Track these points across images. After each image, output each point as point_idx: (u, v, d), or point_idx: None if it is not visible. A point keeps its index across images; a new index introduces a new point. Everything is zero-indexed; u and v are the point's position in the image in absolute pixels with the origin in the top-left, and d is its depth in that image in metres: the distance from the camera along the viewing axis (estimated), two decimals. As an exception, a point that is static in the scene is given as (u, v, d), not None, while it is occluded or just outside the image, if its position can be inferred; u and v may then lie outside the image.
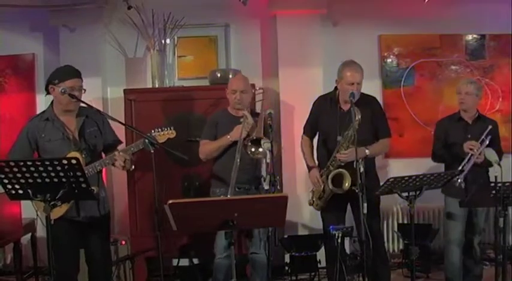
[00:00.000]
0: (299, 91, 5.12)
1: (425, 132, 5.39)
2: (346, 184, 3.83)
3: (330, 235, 3.82)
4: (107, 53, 5.39)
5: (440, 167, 4.30)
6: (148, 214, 4.69)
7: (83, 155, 3.42)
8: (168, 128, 3.64)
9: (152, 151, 3.42)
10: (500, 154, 4.03)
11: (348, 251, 4.84)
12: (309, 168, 4.13)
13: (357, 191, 3.53)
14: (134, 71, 5.42)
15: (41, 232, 4.63)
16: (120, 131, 3.82)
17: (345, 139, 3.81)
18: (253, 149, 3.68)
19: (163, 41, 5.13)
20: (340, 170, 3.86)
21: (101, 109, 4.28)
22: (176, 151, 3.56)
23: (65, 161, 2.80)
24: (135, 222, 4.88)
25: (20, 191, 2.89)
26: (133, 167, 3.56)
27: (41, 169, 2.79)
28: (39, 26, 5.40)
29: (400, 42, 5.53)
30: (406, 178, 3.41)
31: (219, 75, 4.98)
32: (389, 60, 5.54)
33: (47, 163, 2.79)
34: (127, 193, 4.91)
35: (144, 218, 4.82)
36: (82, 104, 3.51)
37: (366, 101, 3.99)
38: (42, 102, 5.10)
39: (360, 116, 3.69)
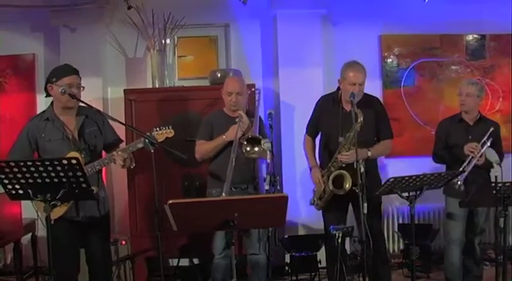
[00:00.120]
0: (299, 91, 5.12)
1: (425, 132, 5.40)
2: (347, 185, 3.82)
3: (331, 235, 3.81)
4: (107, 53, 5.39)
5: (441, 167, 4.30)
6: (148, 214, 4.69)
7: (83, 155, 3.42)
8: (167, 127, 3.64)
9: (152, 151, 3.42)
10: (501, 155, 4.03)
11: (348, 251, 4.84)
12: (311, 168, 4.13)
13: (357, 191, 3.53)
14: (134, 71, 5.42)
15: (41, 232, 4.63)
16: (120, 131, 3.81)
17: (347, 140, 3.80)
18: (248, 149, 3.69)
19: (163, 41, 5.12)
20: (341, 171, 3.85)
21: (101, 109, 4.27)
22: (176, 151, 3.56)
23: (65, 161, 2.79)
24: (135, 222, 4.88)
25: (20, 191, 2.89)
26: (134, 164, 3.55)
27: (41, 169, 2.79)
28: (40, 26, 5.40)
29: (401, 42, 5.53)
30: (407, 178, 3.41)
31: (219, 75, 4.97)
32: (389, 60, 5.54)
33: (47, 163, 2.79)
34: (127, 193, 4.91)
35: (144, 218, 4.83)
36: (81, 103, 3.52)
37: (368, 102, 3.99)
38: (42, 102, 5.09)
39: (362, 118, 3.68)
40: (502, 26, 5.41)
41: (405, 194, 3.49)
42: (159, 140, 3.55)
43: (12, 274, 4.85)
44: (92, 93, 4.72)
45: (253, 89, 4.51)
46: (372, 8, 5.40)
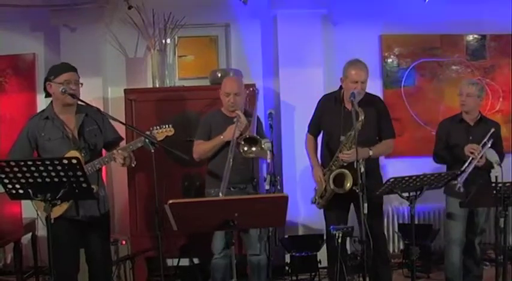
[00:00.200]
0: (299, 91, 5.12)
1: (425, 132, 5.40)
2: (348, 184, 3.82)
3: (331, 235, 3.81)
4: (108, 53, 5.38)
5: (441, 167, 4.30)
6: (148, 213, 4.69)
7: (82, 154, 3.42)
8: (167, 126, 3.63)
9: (153, 151, 3.41)
10: (502, 156, 4.03)
11: (348, 251, 4.84)
12: (312, 166, 4.13)
13: (357, 191, 3.53)
14: (135, 70, 5.42)
15: (41, 231, 4.64)
16: (120, 131, 3.81)
17: (348, 139, 3.80)
18: (245, 148, 3.69)
19: (163, 41, 5.12)
20: (342, 170, 3.85)
21: (102, 109, 4.27)
22: (176, 150, 3.56)
23: (65, 161, 2.79)
24: (135, 222, 4.88)
25: (21, 191, 2.89)
26: (134, 163, 3.55)
27: (42, 168, 2.79)
28: (40, 26, 5.40)
29: (401, 42, 5.53)
30: (407, 178, 3.41)
31: (219, 75, 4.97)
32: (390, 60, 5.54)
33: (47, 162, 2.79)
34: (127, 192, 4.91)
35: (144, 218, 4.83)
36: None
37: (370, 101, 3.99)
38: (42, 102, 5.07)
39: (363, 117, 3.67)
40: (503, 26, 5.41)
41: (405, 194, 3.49)
42: (159, 139, 3.54)
43: (13, 274, 4.85)
44: (92, 93, 4.73)
45: (251, 89, 4.51)
46: (372, 8, 5.40)
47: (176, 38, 5.29)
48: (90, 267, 3.61)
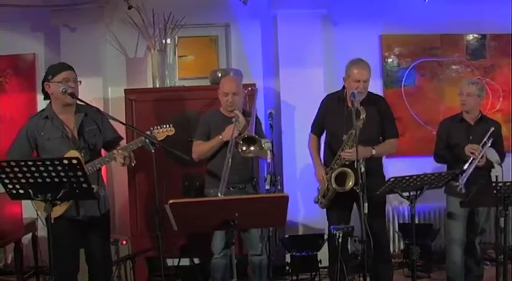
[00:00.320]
0: (300, 91, 5.12)
1: (426, 132, 5.40)
2: (350, 183, 3.82)
3: (332, 235, 3.81)
4: (108, 53, 5.38)
5: (442, 167, 4.30)
6: (149, 213, 4.69)
7: (82, 154, 3.41)
8: (167, 125, 3.62)
9: (153, 151, 3.41)
10: (502, 155, 4.03)
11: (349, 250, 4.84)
12: (315, 166, 4.13)
13: (357, 190, 3.53)
14: (135, 71, 5.42)
15: (41, 231, 4.64)
16: (121, 131, 3.81)
17: (350, 138, 3.80)
18: (244, 148, 3.69)
19: (163, 41, 5.12)
20: (344, 168, 3.85)
21: (102, 109, 4.27)
22: (176, 151, 3.56)
23: (65, 161, 2.79)
24: (135, 222, 4.88)
25: (21, 191, 2.89)
26: (134, 162, 3.54)
27: (42, 168, 2.79)
28: (40, 26, 5.40)
29: (401, 42, 5.53)
30: (407, 178, 3.41)
31: (219, 75, 4.97)
32: (390, 60, 5.54)
33: (48, 162, 2.79)
34: (128, 192, 4.91)
35: (144, 218, 4.83)
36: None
37: (373, 100, 3.99)
38: (42, 102, 5.03)
39: (364, 115, 3.68)
40: (503, 25, 5.41)
41: (406, 194, 3.49)
42: (159, 139, 3.54)
43: (13, 274, 4.85)
44: (92, 93, 4.73)
45: (250, 88, 4.51)
46: (372, 7, 5.40)
47: (176, 38, 5.29)
48: (90, 267, 3.61)
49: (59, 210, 3.31)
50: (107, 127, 3.65)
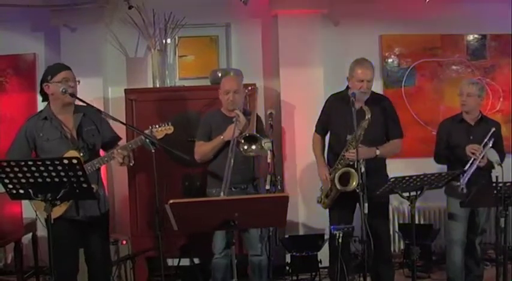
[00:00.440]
0: (300, 91, 5.12)
1: (426, 132, 5.40)
2: (354, 183, 3.81)
3: (333, 235, 3.81)
4: (108, 53, 5.39)
5: (442, 167, 4.30)
6: (149, 213, 4.70)
7: (81, 154, 3.41)
8: (166, 124, 3.62)
9: (153, 151, 3.41)
10: (503, 155, 4.03)
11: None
12: (319, 166, 4.13)
13: (357, 191, 3.52)
14: (135, 70, 5.42)
15: (41, 231, 4.64)
16: (121, 131, 3.81)
17: (354, 138, 3.79)
18: (245, 147, 3.68)
19: (164, 41, 5.12)
20: (348, 168, 3.85)
21: (102, 109, 4.27)
22: (176, 150, 3.56)
23: (65, 161, 2.79)
24: (135, 222, 4.88)
25: (21, 191, 2.89)
26: (133, 162, 3.54)
27: (42, 168, 2.79)
28: (40, 26, 5.40)
29: (401, 42, 5.53)
30: (407, 178, 3.41)
31: (220, 75, 4.97)
32: (390, 60, 5.54)
33: (48, 162, 2.79)
34: (128, 192, 4.91)
35: (144, 218, 4.83)
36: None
37: (377, 100, 3.99)
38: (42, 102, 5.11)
39: (369, 115, 3.68)
40: (503, 26, 5.40)
41: (406, 194, 3.49)
42: (158, 137, 3.54)
43: (13, 274, 4.85)
44: (92, 93, 4.74)
45: (250, 88, 4.50)
46: (372, 8, 5.40)
47: (176, 38, 5.29)
48: (89, 267, 3.61)
49: (58, 211, 3.30)
50: (105, 127, 3.65)
